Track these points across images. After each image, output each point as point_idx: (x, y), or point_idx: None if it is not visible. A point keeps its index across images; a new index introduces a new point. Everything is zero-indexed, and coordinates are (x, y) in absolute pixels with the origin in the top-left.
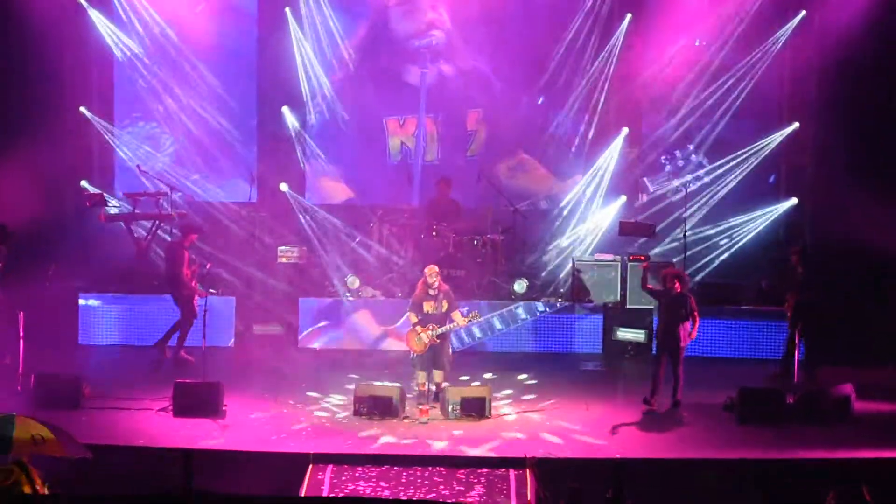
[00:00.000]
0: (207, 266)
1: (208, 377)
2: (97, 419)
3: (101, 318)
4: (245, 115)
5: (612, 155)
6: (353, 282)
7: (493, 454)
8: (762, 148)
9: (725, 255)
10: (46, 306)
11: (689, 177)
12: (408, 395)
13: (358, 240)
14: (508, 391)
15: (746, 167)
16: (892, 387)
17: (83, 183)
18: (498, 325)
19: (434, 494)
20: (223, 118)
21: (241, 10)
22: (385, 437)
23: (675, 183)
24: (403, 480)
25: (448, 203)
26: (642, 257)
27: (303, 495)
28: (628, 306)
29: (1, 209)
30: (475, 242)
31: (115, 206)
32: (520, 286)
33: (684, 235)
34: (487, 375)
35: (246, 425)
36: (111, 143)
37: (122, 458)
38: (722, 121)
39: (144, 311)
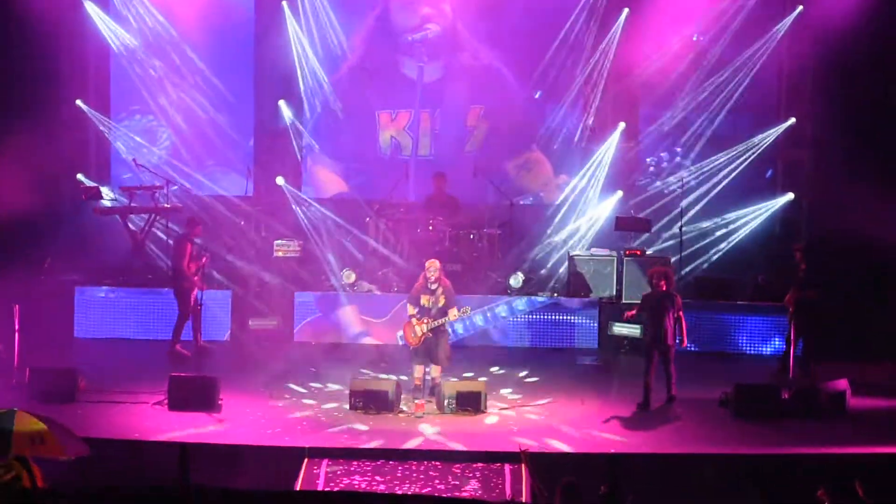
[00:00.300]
0: (203, 259)
1: (204, 371)
2: (92, 413)
3: (97, 311)
4: (241, 108)
5: (608, 149)
6: (349, 276)
7: (488, 448)
8: (759, 143)
9: (722, 250)
10: (42, 299)
11: (671, 178)
12: (403, 390)
13: (354, 234)
14: (504, 385)
15: (743, 162)
16: (888, 383)
17: (79, 176)
18: (480, 322)
19: (429, 489)
20: (219, 112)
21: (238, 3)
22: (380, 432)
23: (658, 183)
24: (399, 475)
25: (444, 198)
26: (638, 252)
27: (298, 489)
28: (624, 301)
29: None
30: (471, 237)
31: (110, 200)
32: (516, 280)
33: (681, 230)
34: (490, 369)
35: (241, 419)
36: (107, 136)
37: (118, 451)
38: (719, 115)
39: (140, 305)
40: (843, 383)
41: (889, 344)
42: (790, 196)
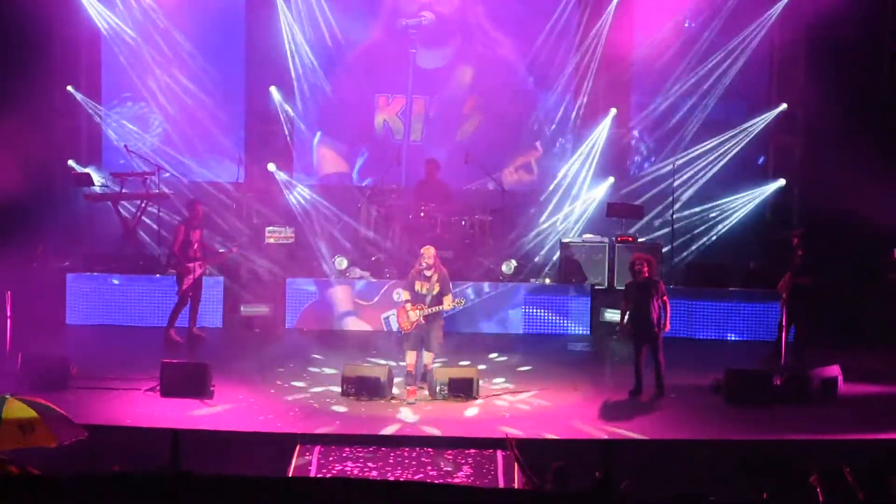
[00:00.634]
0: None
1: (196, 358)
2: (84, 399)
3: (89, 297)
4: (233, 94)
5: (600, 135)
6: (341, 262)
7: (480, 435)
8: (751, 128)
9: (713, 236)
10: (34, 286)
11: (662, 165)
12: (396, 376)
13: (345, 220)
14: (497, 371)
15: (735, 148)
16: (880, 369)
17: (70, 162)
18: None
19: (422, 475)
20: (211, 98)
21: None
22: (372, 418)
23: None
24: (391, 461)
25: (436, 184)
26: (630, 238)
27: (290, 476)
28: (616, 287)
29: None
30: (463, 223)
31: (102, 186)
32: (507, 267)
33: (672, 216)
34: (482, 356)
35: (233, 406)
36: (99, 122)
37: (110, 438)
38: (710, 101)
39: (132, 291)
40: (834, 369)
41: (882, 330)
42: (782, 182)
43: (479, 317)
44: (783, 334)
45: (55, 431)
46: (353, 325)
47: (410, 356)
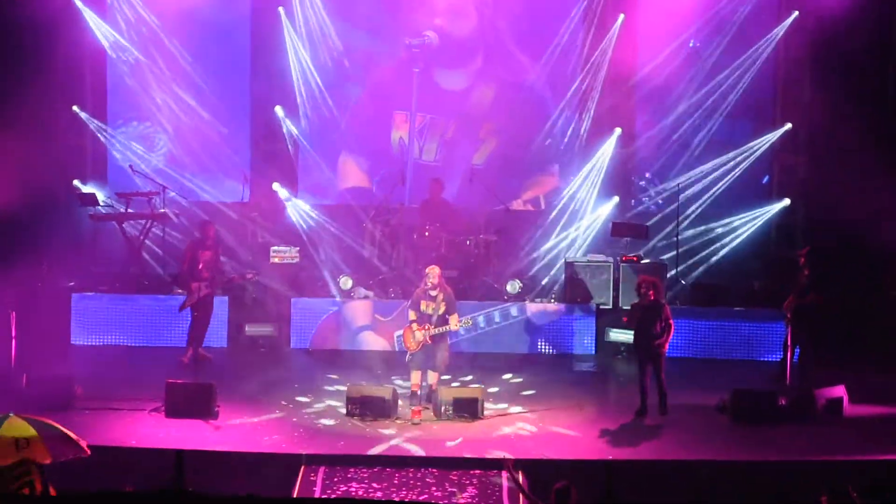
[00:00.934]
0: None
1: (201, 378)
2: (89, 419)
3: (94, 317)
4: (238, 114)
5: (604, 155)
6: (346, 282)
7: (485, 455)
8: (755, 148)
9: (718, 255)
10: (39, 305)
11: (668, 184)
12: (400, 396)
13: (350, 240)
14: (502, 392)
15: (740, 167)
16: (886, 388)
17: (75, 182)
18: (482, 323)
19: (426, 496)
20: (216, 118)
21: (235, 9)
22: (377, 438)
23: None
24: (395, 482)
25: (441, 203)
26: (635, 258)
27: (295, 496)
28: (621, 307)
29: None
30: (468, 243)
31: (107, 206)
32: (512, 287)
33: (677, 236)
34: (487, 376)
35: (238, 426)
36: (104, 142)
37: (115, 458)
38: (715, 121)
39: (137, 311)
40: (840, 389)
41: (887, 348)
42: (786, 202)
43: (485, 336)
44: (788, 354)
45: (51, 449)
46: (371, 339)
47: (416, 376)
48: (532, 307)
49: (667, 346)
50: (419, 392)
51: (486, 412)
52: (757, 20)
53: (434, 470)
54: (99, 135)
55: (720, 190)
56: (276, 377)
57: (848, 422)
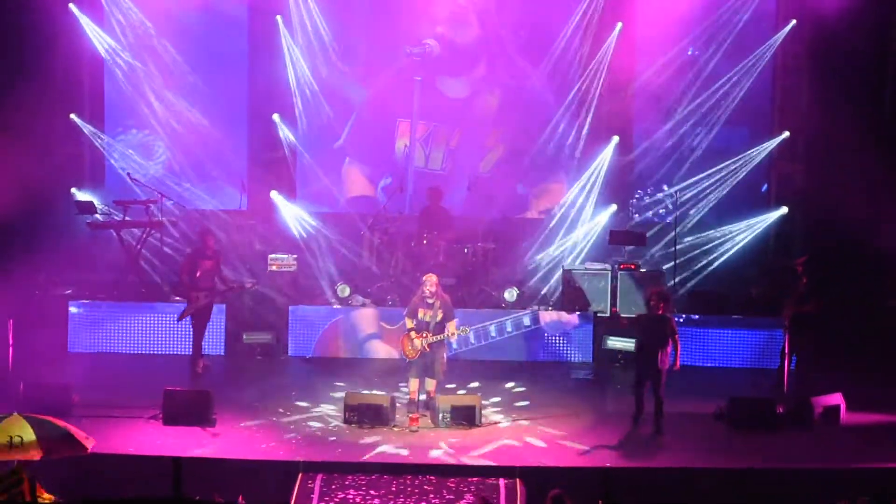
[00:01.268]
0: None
1: (198, 385)
2: (86, 427)
3: (91, 325)
4: (236, 122)
5: (602, 163)
6: (344, 290)
7: (483, 463)
8: (753, 156)
9: (716, 263)
10: (36, 314)
11: (665, 191)
12: (398, 403)
13: (348, 248)
14: (499, 399)
15: (737, 176)
16: (882, 396)
17: (73, 190)
18: (472, 341)
19: (424, 503)
20: (214, 126)
21: (233, 17)
22: (375, 446)
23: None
24: (393, 489)
25: (439, 212)
26: (633, 266)
27: None
28: (619, 315)
29: None
30: (466, 251)
31: (104, 214)
32: (510, 295)
33: (675, 244)
34: (485, 384)
35: (235, 434)
36: (102, 150)
37: (112, 466)
38: (713, 129)
39: (135, 319)
40: (837, 397)
41: (884, 356)
42: (784, 210)
43: (485, 344)
44: (786, 362)
45: (46, 449)
46: (378, 348)
47: (414, 384)
48: (525, 320)
49: (678, 365)
50: (417, 399)
51: (483, 420)
52: (755, 28)
53: (431, 477)
54: (96, 143)
55: (718, 198)
56: (274, 385)
57: (845, 429)
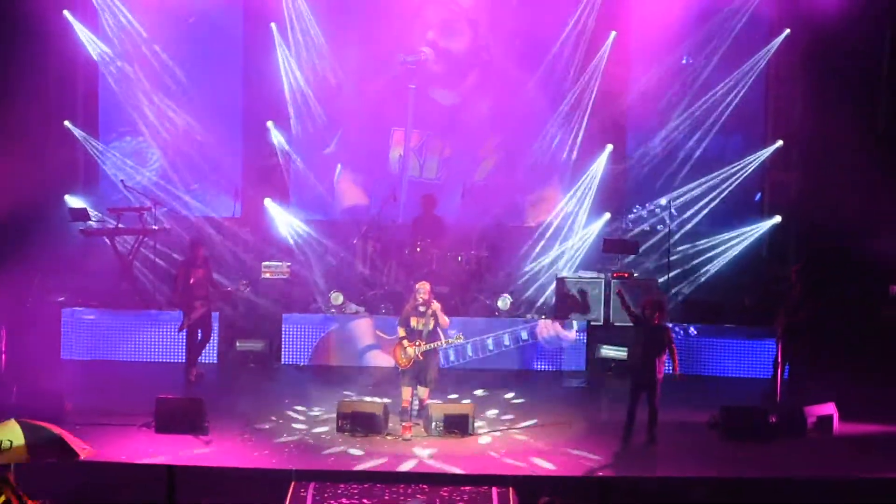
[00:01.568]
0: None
1: (191, 393)
2: (79, 435)
3: (85, 332)
4: (230, 129)
5: (596, 171)
6: (337, 298)
7: (475, 472)
8: (747, 165)
9: (709, 272)
10: (29, 321)
11: (659, 201)
12: (391, 412)
13: (341, 256)
14: (492, 408)
15: (731, 184)
16: (876, 406)
17: (66, 197)
18: (469, 353)
19: None
20: (208, 133)
21: (227, 24)
22: (368, 454)
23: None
24: (386, 498)
25: (433, 220)
26: (626, 274)
27: None
28: (612, 323)
29: None
30: (459, 259)
31: (98, 221)
32: (503, 302)
33: (668, 252)
34: (478, 392)
35: (228, 442)
36: (96, 157)
37: (105, 474)
38: (707, 137)
39: (128, 327)
40: (830, 407)
41: (877, 366)
42: (777, 219)
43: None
44: (779, 371)
45: (34, 453)
46: (377, 357)
47: (406, 392)
48: (523, 334)
49: (678, 369)
50: (410, 408)
51: (476, 428)
52: (749, 37)
53: (424, 486)
54: (90, 149)
55: (712, 206)
56: (267, 393)
57: (838, 439)
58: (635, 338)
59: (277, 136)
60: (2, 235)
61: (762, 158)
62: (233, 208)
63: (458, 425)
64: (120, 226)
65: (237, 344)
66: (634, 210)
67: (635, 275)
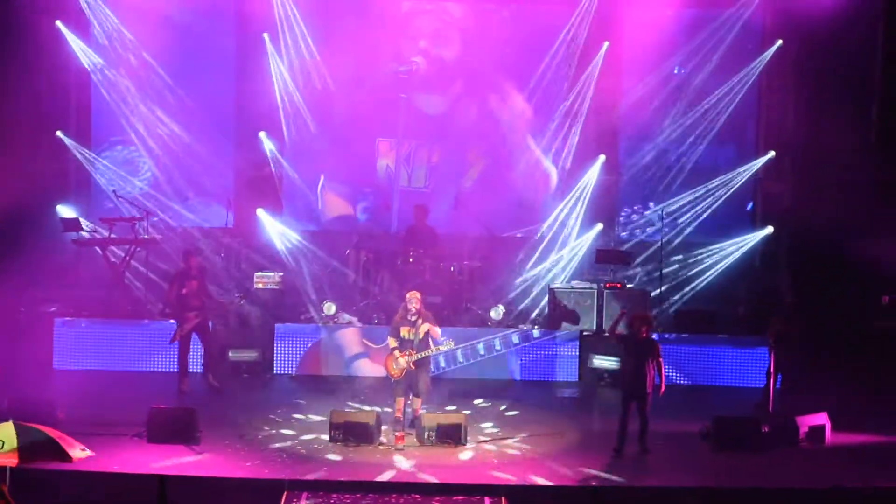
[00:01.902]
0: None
1: (183, 403)
2: None
3: (77, 342)
4: (223, 139)
5: (589, 182)
6: (330, 308)
7: (468, 481)
8: (739, 175)
9: (702, 282)
10: (21, 331)
11: (651, 211)
12: (384, 424)
13: (334, 266)
14: (485, 418)
15: (723, 194)
16: (868, 416)
17: (58, 207)
18: (460, 359)
19: None
20: (200, 143)
21: (219, 35)
22: (361, 464)
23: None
24: None
25: (425, 230)
26: (619, 285)
27: None
28: (605, 334)
29: None
30: (452, 269)
31: (90, 231)
32: (496, 313)
33: (661, 262)
34: (470, 402)
35: (220, 452)
36: (88, 167)
37: (97, 483)
38: (699, 148)
39: (120, 336)
40: (822, 417)
41: (869, 376)
42: (770, 229)
43: (467, 362)
44: (771, 381)
45: (24, 456)
46: (365, 366)
47: (399, 402)
48: (514, 338)
49: (663, 388)
50: (402, 418)
51: (469, 438)
52: (741, 48)
53: (417, 496)
54: (82, 159)
55: (704, 216)
56: (259, 402)
57: (830, 449)
58: (626, 350)
59: (270, 146)
60: None
61: (754, 168)
62: (225, 218)
63: (450, 435)
64: (112, 235)
65: (230, 353)
66: (624, 213)
67: (628, 286)
